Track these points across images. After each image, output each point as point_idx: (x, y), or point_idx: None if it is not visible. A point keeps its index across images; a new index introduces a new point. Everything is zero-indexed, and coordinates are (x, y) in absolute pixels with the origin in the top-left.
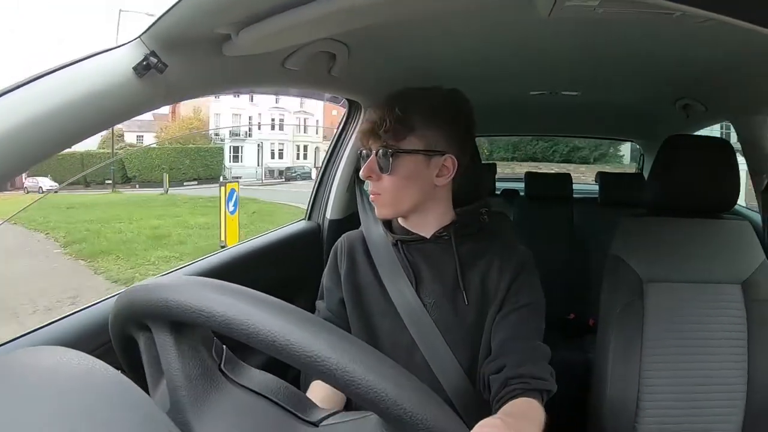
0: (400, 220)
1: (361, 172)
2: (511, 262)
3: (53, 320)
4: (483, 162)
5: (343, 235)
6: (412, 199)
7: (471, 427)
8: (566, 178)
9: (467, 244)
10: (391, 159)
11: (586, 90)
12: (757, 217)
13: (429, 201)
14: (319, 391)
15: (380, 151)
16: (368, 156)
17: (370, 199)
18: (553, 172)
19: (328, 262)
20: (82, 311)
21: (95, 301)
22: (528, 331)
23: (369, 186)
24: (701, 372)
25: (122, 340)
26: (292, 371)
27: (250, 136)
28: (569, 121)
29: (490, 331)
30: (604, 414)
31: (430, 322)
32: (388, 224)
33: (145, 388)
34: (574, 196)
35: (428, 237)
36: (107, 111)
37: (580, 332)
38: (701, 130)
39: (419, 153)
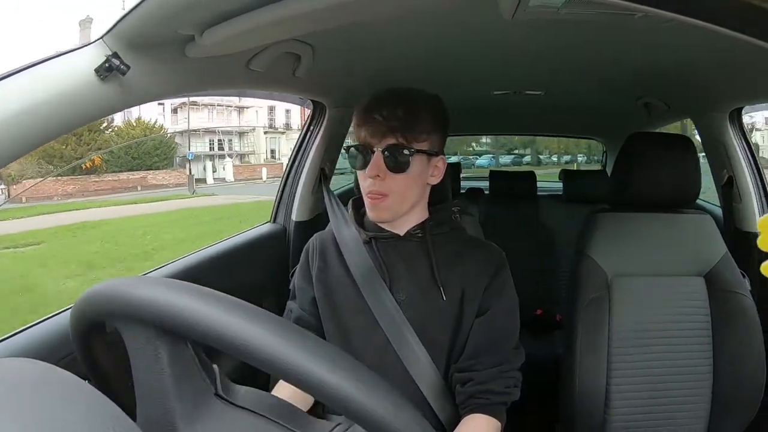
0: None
1: (368, 171)
2: (487, 263)
3: (16, 331)
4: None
5: (315, 235)
6: (413, 199)
7: (445, 425)
8: (530, 177)
9: (441, 242)
10: (412, 158)
11: (550, 89)
12: (718, 211)
13: (420, 201)
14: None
15: (393, 148)
16: (366, 153)
17: (370, 202)
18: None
19: (300, 262)
20: (46, 321)
21: (58, 311)
22: (503, 337)
23: (369, 186)
24: (668, 363)
25: (86, 337)
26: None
27: None
28: (533, 120)
29: (467, 333)
30: (575, 407)
31: (404, 320)
32: (360, 222)
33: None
34: (539, 193)
35: (402, 234)
36: (69, 114)
37: (547, 328)
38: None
39: (425, 153)
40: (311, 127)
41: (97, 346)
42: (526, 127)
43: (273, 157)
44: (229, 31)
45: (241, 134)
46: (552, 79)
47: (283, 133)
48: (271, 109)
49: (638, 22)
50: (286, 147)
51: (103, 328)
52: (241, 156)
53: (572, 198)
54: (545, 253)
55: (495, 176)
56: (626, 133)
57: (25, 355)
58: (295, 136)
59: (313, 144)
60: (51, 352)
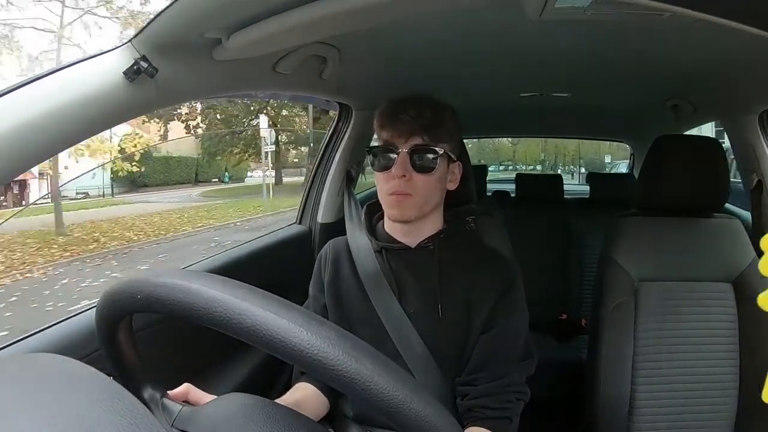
0: (387, 227)
1: (395, 170)
2: (498, 278)
3: (43, 327)
4: (474, 165)
5: (329, 242)
6: (434, 201)
7: None
8: (557, 180)
9: (452, 255)
10: (438, 159)
11: (577, 91)
12: (747, 216)
13: (438, 206)
14: (303, 394)
15: (420, 148)
16: (390, 153)
17: (393, 201)
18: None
19: (314, 269)
20: (72, 318)
21: (84, 308)
22: (506, 353)
23: (394, 186)
24: (693, 370)
25: (111, 331)
26: (282, 378)
27: None
28: (559, 122)
29: (473, 347)
30: (598, 412)
31: (413, 331)
32: (372, 231)
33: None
34: (565, 197)
35: (413, 246)
36: (98, 116)
37: (572, 332)
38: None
39: (446, 157)
40: (337, 129)
41: (121, 340)
42: (552, 129)
43: None
44: (255, 34)
45: None
46: (579, 81)
47: None
48: None
49: (666, 21)
50: None
51: (129, 322)
52: None
53: (599, 202)
54: (571, 257)
55: (521, 179)
56: (653, 136)
57: (52, 351)
58: None
59: (339, 146)
60: (77, 349)
